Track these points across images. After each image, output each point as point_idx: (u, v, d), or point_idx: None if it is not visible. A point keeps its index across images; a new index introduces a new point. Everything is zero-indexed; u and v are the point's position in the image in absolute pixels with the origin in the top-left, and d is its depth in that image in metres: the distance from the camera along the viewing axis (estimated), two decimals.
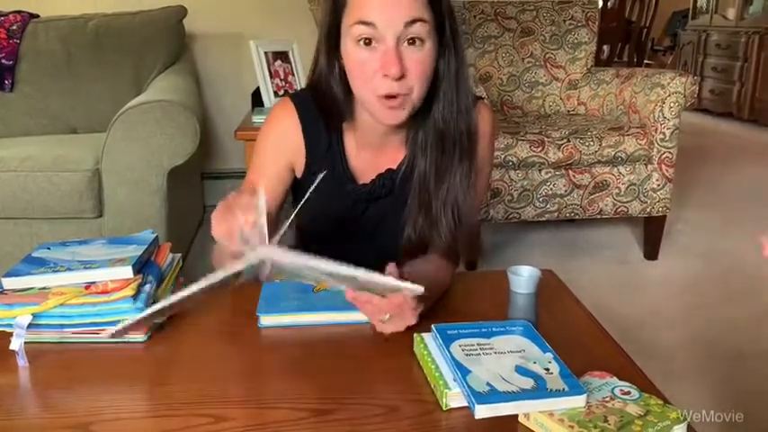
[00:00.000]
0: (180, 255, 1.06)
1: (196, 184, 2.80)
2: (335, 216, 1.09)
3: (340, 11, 0.93)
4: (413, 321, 0.86)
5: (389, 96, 0.91)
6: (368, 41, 0.90)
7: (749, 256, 2.45)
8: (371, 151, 1.07)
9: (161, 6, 2.56)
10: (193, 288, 0.75)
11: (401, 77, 0.90)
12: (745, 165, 3.86)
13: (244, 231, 0.74)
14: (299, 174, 1.09)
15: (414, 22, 0.88)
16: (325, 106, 1.02)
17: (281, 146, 1.06)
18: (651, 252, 2.43)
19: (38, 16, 2.51)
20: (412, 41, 0.90)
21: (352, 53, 0.92)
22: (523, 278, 0.90)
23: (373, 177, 1.07)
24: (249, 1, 2.85)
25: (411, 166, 1.05)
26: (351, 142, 1.07)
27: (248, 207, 0.74)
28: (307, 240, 1.11)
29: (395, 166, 1.07)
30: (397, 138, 1.05)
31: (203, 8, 2.75)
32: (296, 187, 1.12)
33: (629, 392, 0.72)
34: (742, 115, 5.04)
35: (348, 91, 0.98)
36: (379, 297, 0.84)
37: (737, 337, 1.79)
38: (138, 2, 2.60)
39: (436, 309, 0.99)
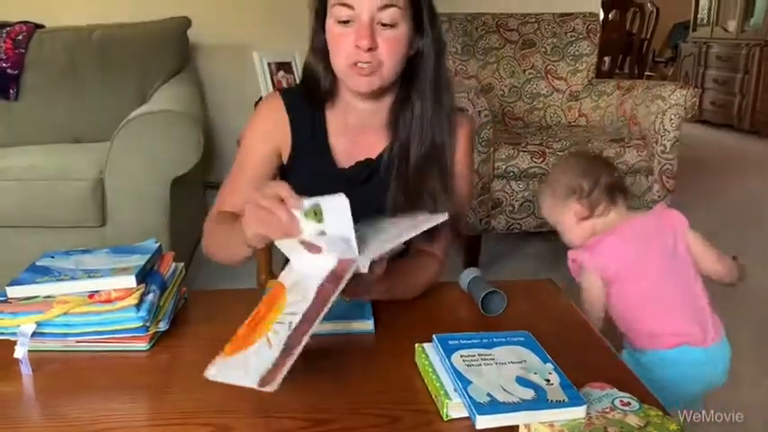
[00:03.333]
0: (182, 264, 1.06)
1: (198, 193, 2.81)
2: None
3: None
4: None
5: (360, 65, 1.00)
6: (346, 21, 1.00)
7: (750, 269, 2.45)
8: (352, 135, 1.13)
9: (165, 17, 2.58)
10: None
11: (371, 49, 0.99)
12: (746, 176, 3.87)
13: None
14: (284, 158, 1.15)
15: (387, 7, 0.98)
16: (311, 85, 1.11)
17: (267, 130, 1.14)
18: None
19: (43, 26, 2.54)
20: (385, 24, 0.99)
21: (332, 29, 1.02)
22: (465, 275, 1.08)
23: (352, 164, 1.13)
24: (253, 12, 2.88)
25: (392, 154, 1.10)
26: (333, 126, 1.13)
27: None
28: None
29: (374, 156, 1.13)
30: (375, 121, 1.11)
31: (207, 19, 2.77)
32: (282, 175, 1.18)
33: (629, 403, 0.72)
34: (743, 127, 5.06)
35: (332, 70, 1.07)
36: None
37: (737, 353, 1.79)
38: (143, 12, 2.62)
39: (437, 318, 1.00)
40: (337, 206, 0.80)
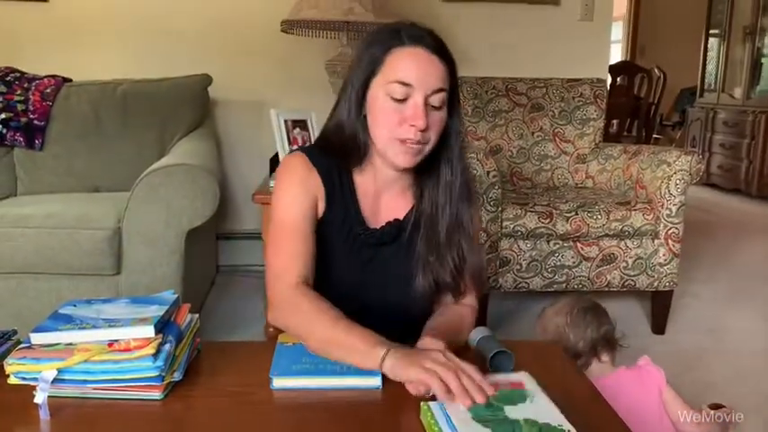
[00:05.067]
0: (197, 315, 1.10)
1: (211, 243, 2.86)
2: (345, 258, 1.17)
3: (376, 69, 1.10)
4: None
5: (409, 142, 1.07)
6: (401, 99, 1.07)
7: (757, 332, 2.45)
8: (378, 196, 1.19)
9: (187, 74, 2.68)
10: None
11: (424, 130, 1.07)
12: (753, 241, 3.87)
13: None
14: (320, 211, 1.16)
15: (439, 91, 1.08)
16: (340, 149, 1.15)
17: (303, 181, 1.14)
18: (658, 326, 2.43)
19: (71, 80, 2.64)
20: (434, 105, 1.08)
21: (384, 103, 1.09)
22: (474, 333, 1.09)
23: (382, 224, 1.18)
24: (271, 72, 2.98)
25: (419, 215, 1.18)
26: (360, 187, 1.18)
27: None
28: (323, 291, 1.12)
29: (401, 216, 1.19)
30: (401, 183, 1.19)
31: (228, 77, 2.88)
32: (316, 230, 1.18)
33: None
34: (750, 192, 5.08)
35: (369, 136, 1.13)
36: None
37: (747, 418, 1.77)
38: (169, 69, 2.72)
39: None
40: None
